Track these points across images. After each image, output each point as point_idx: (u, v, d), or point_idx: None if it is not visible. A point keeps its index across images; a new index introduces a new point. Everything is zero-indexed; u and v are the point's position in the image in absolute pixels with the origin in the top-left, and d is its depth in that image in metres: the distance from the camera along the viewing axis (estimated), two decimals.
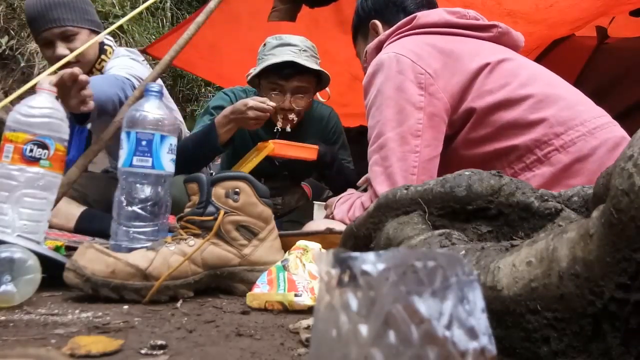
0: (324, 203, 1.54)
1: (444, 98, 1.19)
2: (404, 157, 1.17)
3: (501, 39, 1.32)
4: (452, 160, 1.23)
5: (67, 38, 1.71)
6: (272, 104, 1.72)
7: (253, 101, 1.68)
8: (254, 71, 1.87)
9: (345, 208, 1.30)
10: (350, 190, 1.42)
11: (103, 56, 1.85)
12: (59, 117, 0.98)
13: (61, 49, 1.69)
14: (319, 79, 1.91)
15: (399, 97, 1.18)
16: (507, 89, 1.17)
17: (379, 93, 1.21)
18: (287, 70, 1.78)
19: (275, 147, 1.70)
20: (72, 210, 1.68)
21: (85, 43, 1.65)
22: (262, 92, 1.88)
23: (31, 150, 0.94)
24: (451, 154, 1.24)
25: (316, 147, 1.80)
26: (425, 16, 1.30)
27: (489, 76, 1.19)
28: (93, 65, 1.83)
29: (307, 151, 1.78)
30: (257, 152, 1.79)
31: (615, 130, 1.15)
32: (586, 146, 1.11)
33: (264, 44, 1.88)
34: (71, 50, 1.67)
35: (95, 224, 1.63)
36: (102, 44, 1.85)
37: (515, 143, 1.15)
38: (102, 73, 1.83)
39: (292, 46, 1.80)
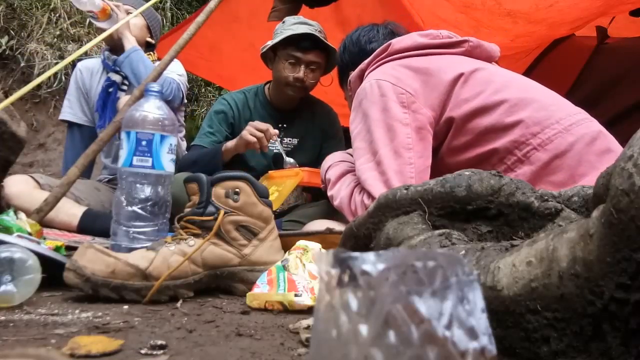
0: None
1: (427, 112, 1.24)
2: (400, 169, 1.21)
3: (473, 53, 1.38)
4: (440, 168, 1.27)
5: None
6: (266, 127, 1.77)
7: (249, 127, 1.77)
8: (270, 43, 1.94)
9: (345, 195, 1.31)
10: (340, 156, 1.47)
11: (150, 52, 2.19)
12: None
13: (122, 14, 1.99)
14: (325, 64, 2.00)
15: (386, 117, 1.24)
16: (482, 96, 1.22)
17: (367, 117, 1.27)
18: (305, 43, 1.89)
19: (305, 176, 1.71)
20: (74, 210, 1.69)
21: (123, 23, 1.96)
22: (277, 64, 1.95)
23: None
24: (438, 163, 1.29)
25: None
26: (399, 42, 1.37)
27: (464, 86, 1.24)
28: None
29: None
30: (267, 182, 1.80)
31: (591, 126, 1.18)
32: (563, 143, 1.14)
33: (283, 22, 1.98)
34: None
35: (98, 222, 1.65)
36: (151, 43, 2.25)
37: (495, 146, 1.19)
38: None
39: (309, 25, 1.92)
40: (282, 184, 1.73)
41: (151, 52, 2.20)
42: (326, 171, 1.43)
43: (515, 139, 1.17)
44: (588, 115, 1.23)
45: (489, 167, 1.21)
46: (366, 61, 1.41)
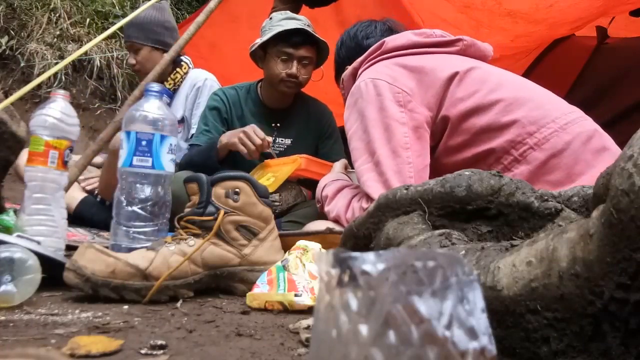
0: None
1: (424, 111, 1.24)
2: (399, 169, 1.21)
3: (467, 52, 1.38)
4: (437, 169, 1.27)
5: (134, 50, 2.12)
6: (263, 136, 1.74)
7: (248, 129, 1.74)
8: (260, 40, 1.92)
9: (342, 205, 1.30)
10: (338, 175, 1.46)
11: (178, 69, 2.15)
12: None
13: (131, 58, 2.14)
14: (316, 59, 1.99)
15: (383, 116, 1.24)
16: (477, 95, 1.21)
17: (363, 117, 1.26)
18: (297, 38, 1.87)
19: (304, 162, 1.67)
20: (74, 194, 1.69)
21: (147, 57, 2.08)
22: (268, 62, 1.93)
23: (67, 156, 1.02)
24: (435, 163, 1.28)
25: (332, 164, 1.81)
26: (392, 40, 1.36)
27: (459, 85, 1.23)
28: (165, 77, 2.10)
29: (328, 168, 1.76)
30: (262, 171, 1.77)
31: (586, 124, 1.19)
32: (559, 142, 1.14)
33: (270, 18, 1.96)
34: (136, 61, 2.10)
35: (94, 209, 1.67)
36: (178, 58, 2.13)
37: (491, 146, 1.19)
38: (175, 84, 2.15)
39: (298, 20, 1.91)
40: (278, 171, 1.71)
41: (178, 69, 2.15)
42: (322, 189, 1.41)
43: (512, 138, 1.17)
44: (582, 113, 1.23)
45: (486, 167, 1.20)
46: (359, 59, 1.40)
